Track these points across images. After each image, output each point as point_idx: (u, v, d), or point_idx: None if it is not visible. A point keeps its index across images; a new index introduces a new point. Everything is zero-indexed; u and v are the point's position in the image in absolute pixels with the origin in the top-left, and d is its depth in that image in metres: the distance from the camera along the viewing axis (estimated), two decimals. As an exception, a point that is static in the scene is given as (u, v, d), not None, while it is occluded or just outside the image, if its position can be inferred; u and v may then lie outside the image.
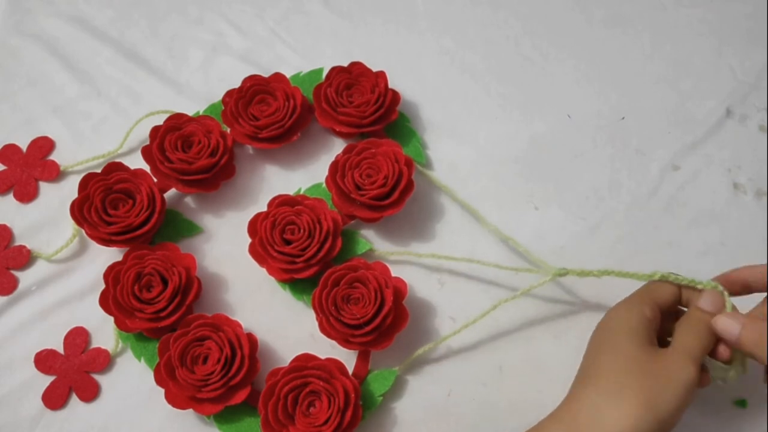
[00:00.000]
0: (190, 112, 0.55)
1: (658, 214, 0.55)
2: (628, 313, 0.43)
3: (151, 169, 0.52)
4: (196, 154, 0.52)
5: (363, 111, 0.53)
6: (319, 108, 0.55)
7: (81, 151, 0.55)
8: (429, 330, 0.51)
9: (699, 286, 0.44)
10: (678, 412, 0.39)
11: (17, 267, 0.52)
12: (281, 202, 0.50)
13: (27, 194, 0.54)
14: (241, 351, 0.46)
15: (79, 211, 0.49)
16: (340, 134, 0.56)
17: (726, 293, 0.43)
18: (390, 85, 0.55)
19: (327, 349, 0.49)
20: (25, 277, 0.52)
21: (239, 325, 0.48)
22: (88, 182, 0.50)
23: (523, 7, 0.63)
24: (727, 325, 0.41)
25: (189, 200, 0.55)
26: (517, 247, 0.51)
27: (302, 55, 0.60)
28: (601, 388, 0.40)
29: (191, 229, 0.53)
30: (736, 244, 0.54)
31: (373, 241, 0.53)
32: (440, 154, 0.57)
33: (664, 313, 0.44)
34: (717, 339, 0.42)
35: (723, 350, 0.42)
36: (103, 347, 0.50)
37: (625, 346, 0.41)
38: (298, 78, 0.57)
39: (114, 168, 0.51)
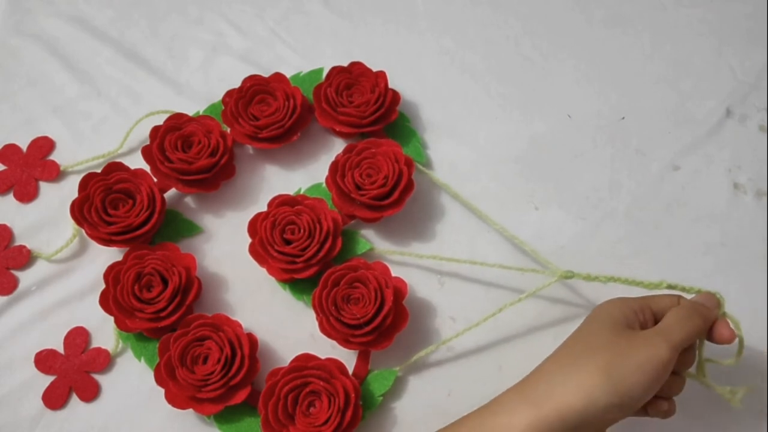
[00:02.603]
0: (190, 112, 0.55)
1: (658, 214, 0.55)
2: (614, 306, 0.42)
3: (151, 169, 0.52)
4: (196, 154, 0.51)
5: (363, 111, 0.53)
6: (319, 108, 0.55)
7: (81, 151, 0.55)
8: (429, 330, 0.51)
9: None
10: (641, 387, 0.38)
11: (17, 267, 0.52)
12: (281, 202, 0.50)
13: (27, 194, 0.54)
14: (241, 351, 0.46)
15: (79, 211, 0.49)
16: (340, 134, 0.56)
17: (723, 298, 0.43)
18: (390, 85, 0.55)
19: (327, 349, 0.49)
20: (25, 277, 0.52)
21: (239, 325, 0.48)
22: (88, 182, 0.50)
23: (523, 7, 0.63)
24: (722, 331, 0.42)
25: (189, 200, 0.55)
26: (524, 247, 0.51)
27: (302, 55, 0.60)
28: (558, 361, 0.40)
29: (191, 229, 0.53)
30: (736, 244, 0.54)
31: (373, 241, 0.53)
32: (440, 154, 0.57)
33: (658, 319, 0.42)
34: (710, 325, 0.42)
35: (723, 332, 0.42)
36: (103, 347, 0.50)
37: (596, 328, 0.41)
38: (298, 78, 0.57)
39: (114, 168, 0.51)
